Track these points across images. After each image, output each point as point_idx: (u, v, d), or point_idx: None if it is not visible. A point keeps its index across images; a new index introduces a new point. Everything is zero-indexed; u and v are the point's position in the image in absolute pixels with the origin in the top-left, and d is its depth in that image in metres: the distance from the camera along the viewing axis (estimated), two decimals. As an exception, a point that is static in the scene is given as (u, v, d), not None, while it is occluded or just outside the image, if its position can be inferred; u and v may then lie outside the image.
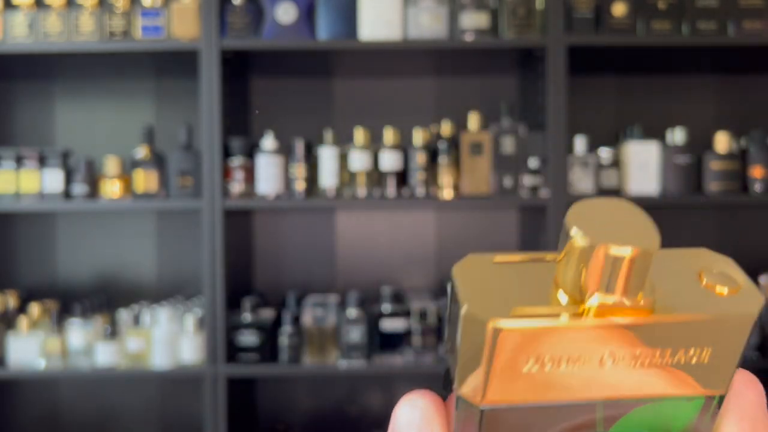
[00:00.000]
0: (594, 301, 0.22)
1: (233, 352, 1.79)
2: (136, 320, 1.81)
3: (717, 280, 0.24)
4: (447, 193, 1.79)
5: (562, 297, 0.23)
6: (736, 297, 0.23)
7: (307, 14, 1.77)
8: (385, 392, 2.04)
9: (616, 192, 1.81)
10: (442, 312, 1.77)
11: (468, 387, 0.23)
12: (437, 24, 1.75)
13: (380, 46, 1.75)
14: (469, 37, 1.75)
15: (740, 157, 1.83)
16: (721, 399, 0.24)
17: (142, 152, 1.82)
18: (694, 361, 0.23)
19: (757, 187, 1.81)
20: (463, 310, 0.22)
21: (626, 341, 0.22)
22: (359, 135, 1.82)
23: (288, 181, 1.82)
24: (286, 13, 1.76)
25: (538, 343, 0.22)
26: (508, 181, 1.78)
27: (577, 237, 0.22)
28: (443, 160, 1.79)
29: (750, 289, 0.23)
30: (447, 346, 0.24)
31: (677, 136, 1.84)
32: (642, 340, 0.22)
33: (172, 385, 2.06)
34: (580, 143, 1.81)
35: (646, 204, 1.95)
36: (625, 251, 0.21)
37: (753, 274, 1.93)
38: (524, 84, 1.99)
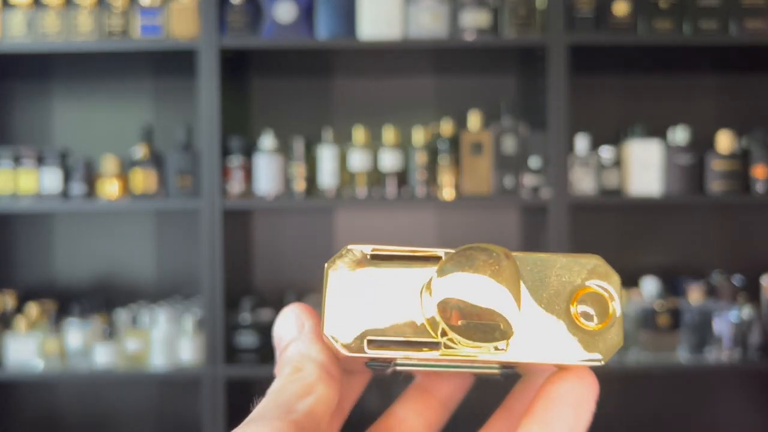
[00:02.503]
0: (443, 341, 0.23)
1: (232, 352, 1.78)
2: (135, 320, 1.80)
3: (585, 310, 0.24)
4: (447, 193, 1.78)
5: (426, 312, 0.23)
6: (595, 337, 0.24)
7: (307, 13, 1.76)
8: (383, 392, 2.03)
9: (616, 193, 1.80)
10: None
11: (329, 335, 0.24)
12: (437, 23, 1.74)
13: (380, 46, 1.74)
14: (469, 36, 1.74)
15: (742, 157, 1.82)
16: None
17: (140, 152, 1.81)
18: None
19: (759, 187, 1.80)
20: (324, 332, 0.24)
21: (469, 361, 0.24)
22: (359, 134, 1.81)
23: (287, 181, 1.81)
24: (285, 12, 1.75)
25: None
26: (508, 181, 1.77)
27: (434, 296, 0.23)
28: (443, 159, 1.78)
29: (614, 330, 0.24)
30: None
31: (679, 135, 1.84)
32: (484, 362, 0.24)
33: (170, 386, 2.05)
34: (581, 142, 1.80)
35: (647, 205, 1.95)
36: (476, 349, 0.23)
37: (754, 274, 1.92)
38: (525, 83, 1.98)
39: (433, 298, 0.22)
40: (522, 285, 0.23)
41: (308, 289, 2.00)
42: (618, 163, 1.82)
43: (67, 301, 1.92)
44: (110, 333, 1.80)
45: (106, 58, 1.81)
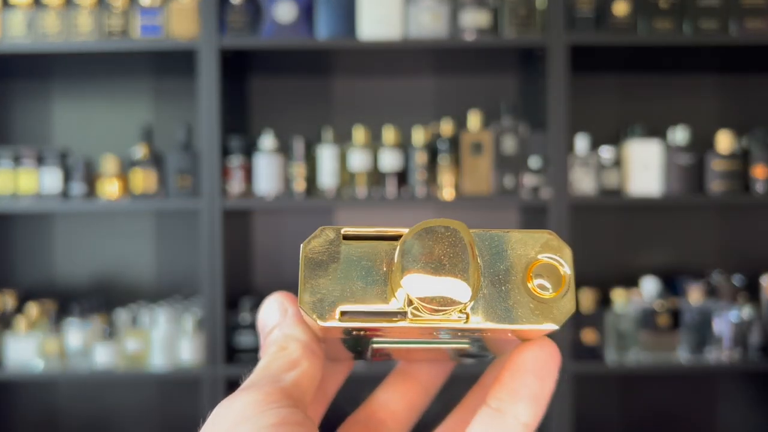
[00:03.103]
0: (408, 310, 0.25)
1: (232, 352, 1.78)
2: (135, 321, 1.80)
3: (539, 282, 0.26)
4: (447, 193, 1.78)
5: (395, 288, 0.25)
6: (550, 305, 0.25)
7: (307, 13, 1.76)
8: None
9: (616, 193, 1.80)
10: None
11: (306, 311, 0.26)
12: (437, 23, 1.74)
13: (380, 46, 1.74)
14: (469, 36, 1.74)
15: (742, 157, 1.82)
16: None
17: (140, 152, 1.81)
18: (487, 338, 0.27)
19: (759, 187, 1.80)
20: (299, 305, 0.25)
21: (432, 331, 0.26)
22: (359, 134, 1.81)
23: (287, 181, 1.81)
24: (285, 12, 1.75)
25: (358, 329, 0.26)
26: (508, 181, 1.77)
27: (398, 268, 0.24)
28: (443, 159, 1.78)
29: (566, 298, 0.26)
30: None
31: (679, 135, 1.84)
32: (447, 331, 0.26)
33: (170, 386, 2.05)
34: (581, 142, 1.80)
35: (647, 205, 1.95)
36: (432, 305, 0.24)
37: (754, 275, 1.91)
38: (525, 83, 1.98)
39: (397, 271, 0.25)
40: (479, 258, 0.26)
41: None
42: (618, 163, 1.81)
43: (67, 301, 1.92)
44: (110, 333, 1.80)
45: (106, 58, 1.81)
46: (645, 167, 1.80)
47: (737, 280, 1.89)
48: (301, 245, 0.26)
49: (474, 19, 1.73)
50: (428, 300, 0.24)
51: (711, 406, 2.05)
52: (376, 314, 0.25)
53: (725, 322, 1.76)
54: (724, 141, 1.82)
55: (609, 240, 2.05)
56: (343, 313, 0.25)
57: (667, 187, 1.80)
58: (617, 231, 2.05)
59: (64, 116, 2.05)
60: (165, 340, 1.75)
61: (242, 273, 2.00)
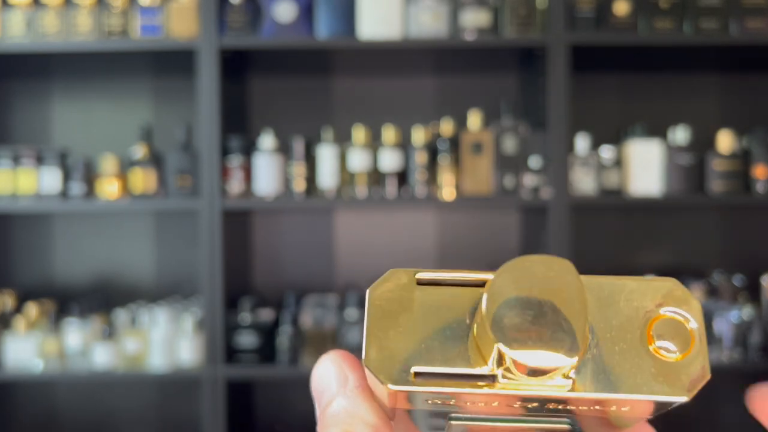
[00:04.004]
0: (499, 374, 0.21)
1: (232, 353, 1.77)
2: (134, 321, 1.80)
3: (662, 342, 0.22)
4: (447, 193, 1.78)
5: (479, 344, 0.21)
6: (676, 369, 0.22)
7: (306, 12, 1.76)
8: None
9: (617, 193, 1.80)
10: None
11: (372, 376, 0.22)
12: (438, 22, 1.73)
13: (380, 45, 1.74)
14: (469, 36, 1.73)
15: (743, 157, 1.82)
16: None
17: (139, 151, 1.81)
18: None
19: (760, 187, 1.80)
20: (364, 362, 0.21)
21: (525, 402, 0.21)
22: (359, 134, 1.81)
23: (287, 181, 1.81)
24: (284, 12, 1.75)
25: (435, 395, 0.22)
26: (509, 181, 1.76)
27: (486, 319, 0.20)
28: (443, 159, 1.78)
29: (698, 362, 0.22)
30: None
31: (679, 135, 1.83)
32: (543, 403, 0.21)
33: (170, 386, 2.05)
34: (581, 142, 1.80)
35: (648, 205, 1.94)
36: (530, 362, 0.20)
37: (755, 275, 1.91)
38: (525, 83, 1.97)
39: (485, 323, 0.20)
40: (588, 310, 0.21)
41: (308, 290, 1.99)
42: (618, 162, 1.81)
43: (67, 301, 1.92)
44: (109, 333, 1.79)
45: (106, 57, 1.81)
46: (645, 167, 1.80)
47: (738, 280, 1.89)
48: (368, 290, 0.22)
49: (474, 19, 1.73)
50: (525, 358, 0.20)
51: (711, 406, 2.04)
52: (459, 377, 0.21)
53: (726, 322, 1.75)
54: (725, 141, 1.81)
55: (609, 240, 2.04)
56: (417, 375, 0.21)
57: (667, 187, 1.80)
58: (617, 231, 2.05)
59: (64, 116, 2.05)
60: (164, 341, 1.75)
61: (242, 273, 1.99)
